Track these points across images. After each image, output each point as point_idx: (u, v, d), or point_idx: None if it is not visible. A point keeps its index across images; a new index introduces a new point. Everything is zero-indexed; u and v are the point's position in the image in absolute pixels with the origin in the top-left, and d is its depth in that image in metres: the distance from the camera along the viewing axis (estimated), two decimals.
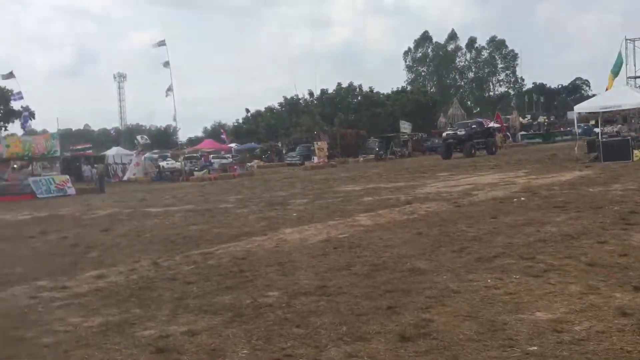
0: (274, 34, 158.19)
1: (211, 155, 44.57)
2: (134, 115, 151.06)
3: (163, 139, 77.58)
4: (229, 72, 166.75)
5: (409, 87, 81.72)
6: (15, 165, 29.71)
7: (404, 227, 10.12)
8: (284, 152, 52.46)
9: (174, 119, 37.40)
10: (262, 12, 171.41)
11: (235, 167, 38.10)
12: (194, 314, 5.76)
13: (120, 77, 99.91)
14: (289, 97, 66.55)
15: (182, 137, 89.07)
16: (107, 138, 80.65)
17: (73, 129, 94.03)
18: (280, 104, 67.19)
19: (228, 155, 49.18)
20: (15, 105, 27.25)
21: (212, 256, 8.77)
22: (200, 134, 74.03)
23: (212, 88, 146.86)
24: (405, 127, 51.26)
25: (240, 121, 73.91)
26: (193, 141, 77.09)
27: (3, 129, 27.78)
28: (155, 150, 47.13)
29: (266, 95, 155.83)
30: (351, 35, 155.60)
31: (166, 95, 37.21)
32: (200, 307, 5.99)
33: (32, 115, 28.01)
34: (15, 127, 56.13)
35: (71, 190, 27.63)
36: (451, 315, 5.06)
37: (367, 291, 6.05)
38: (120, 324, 5.55)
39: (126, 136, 77.97)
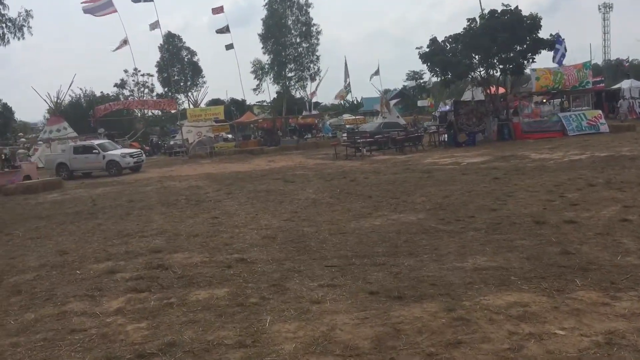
0: None
1: None
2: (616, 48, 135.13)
3: None
4: None
5: None
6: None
7: None
8: None
9: None
10: None
11: None
12: None
13: (606, 8, 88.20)
14: None
15: None
16: (614, 71, 72.30)
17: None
18: None
19: None
20: (543, 34, 25.18)
21: None
22: None
23: None
24: None
25: None
26: None
27: (531, 60, 26.19)
28: None
29: None
30: None
31: None
32: None
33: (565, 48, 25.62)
34: (542, 59, 54.17)
35: (604, 127, 24.34)
36: None
37: None
38: None
39: (610, 72, 68.52)
